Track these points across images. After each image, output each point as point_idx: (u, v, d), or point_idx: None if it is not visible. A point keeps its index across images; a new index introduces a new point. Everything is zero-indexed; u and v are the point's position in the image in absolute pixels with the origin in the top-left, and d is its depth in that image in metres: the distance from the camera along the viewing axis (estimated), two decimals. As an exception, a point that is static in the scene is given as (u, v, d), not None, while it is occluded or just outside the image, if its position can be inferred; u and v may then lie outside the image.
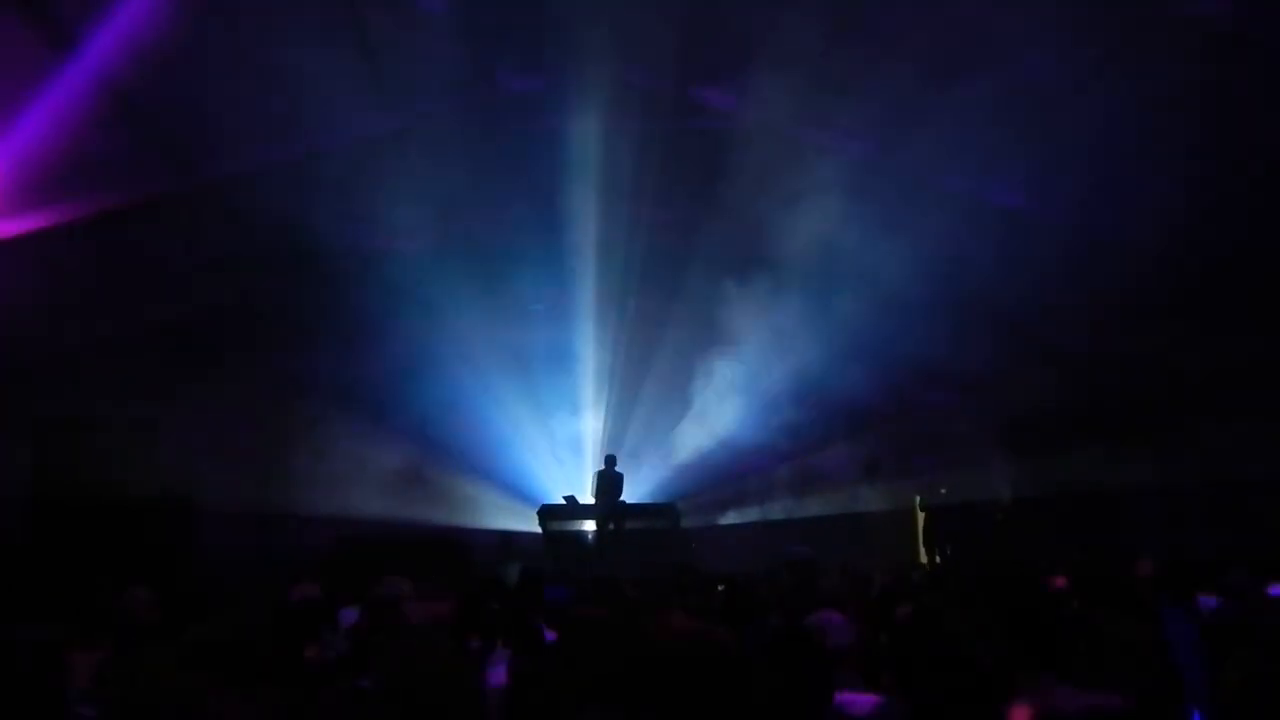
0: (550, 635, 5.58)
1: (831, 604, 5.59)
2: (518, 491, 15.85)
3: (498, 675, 5.13)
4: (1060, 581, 6.29)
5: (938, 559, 13.79)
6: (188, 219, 11.54)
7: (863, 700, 4.45)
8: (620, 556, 13.48)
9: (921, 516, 14.48)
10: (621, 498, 14.82)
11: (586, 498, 15.25)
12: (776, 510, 16.40)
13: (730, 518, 16.81)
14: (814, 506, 15.82)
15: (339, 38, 10.32)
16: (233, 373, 12.93)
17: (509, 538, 15.31)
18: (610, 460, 15.03)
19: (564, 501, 15.09)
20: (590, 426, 16.94)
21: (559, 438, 16.82)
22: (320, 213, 11.92)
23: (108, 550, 9.73)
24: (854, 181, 12.63)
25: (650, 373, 16.53)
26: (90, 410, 11.23)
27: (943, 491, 14.23)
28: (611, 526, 14.45)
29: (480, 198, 13.34)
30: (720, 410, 15.95)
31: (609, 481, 14.78)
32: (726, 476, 16.38)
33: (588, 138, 12.95)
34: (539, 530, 14.76)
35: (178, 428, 11.75)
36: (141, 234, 11.22)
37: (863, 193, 12.60)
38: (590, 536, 14.71)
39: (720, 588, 7.10)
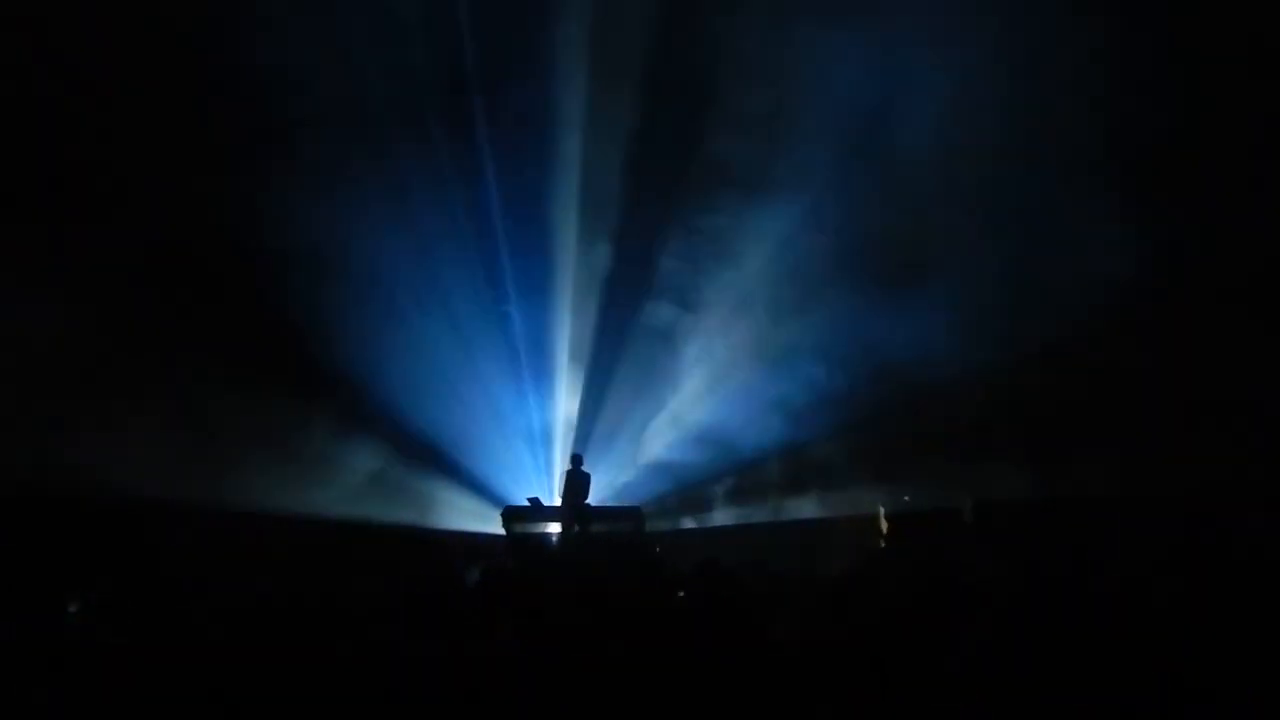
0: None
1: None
2: (482, 492, 15.78)
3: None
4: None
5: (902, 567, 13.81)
6: (158, 214, 11.41)
7: None
8: (584, 559, 13.44)
9: (885, 524, 14.51)
10: (587, 498, 14.78)
11: (553, 500, 15.20)
12: (742, 515, 16.41)
13: (696, 521, 16.81)
14: (781, 511, 15.85)
15: (320, 18, 10.23)
16: (198, 370, 12.76)
17: (472, 539, 15.22)
18: (577, 459, 15.01)
19: (529, 503, 15.03)
20: (558, 428, 16.90)
21: (525, 438, 16.76)
22: (290, 208, 11.84)
23: (70, 550, 9.59)
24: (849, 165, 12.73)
25: (622, 373, 16.53)
26: (54, 407, 11.06)
27: (906, 499, 14.28)
28: (576, 529, 14.40)
29: (455, 192, 13.30)
30: (690, 413, 15.99)
31: (576, 482, 14.74)
32: (694, 480, 16.41)
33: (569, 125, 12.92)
34: (503, 532, 14.68)
35: (142, 426, 11.61)
36: (114, 229, 11.08)
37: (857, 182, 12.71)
38: (554, 539, 14.64)
39: (680, 594, 7.08)
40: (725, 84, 12.96)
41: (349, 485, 14.42)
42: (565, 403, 16.76)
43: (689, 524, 16.74)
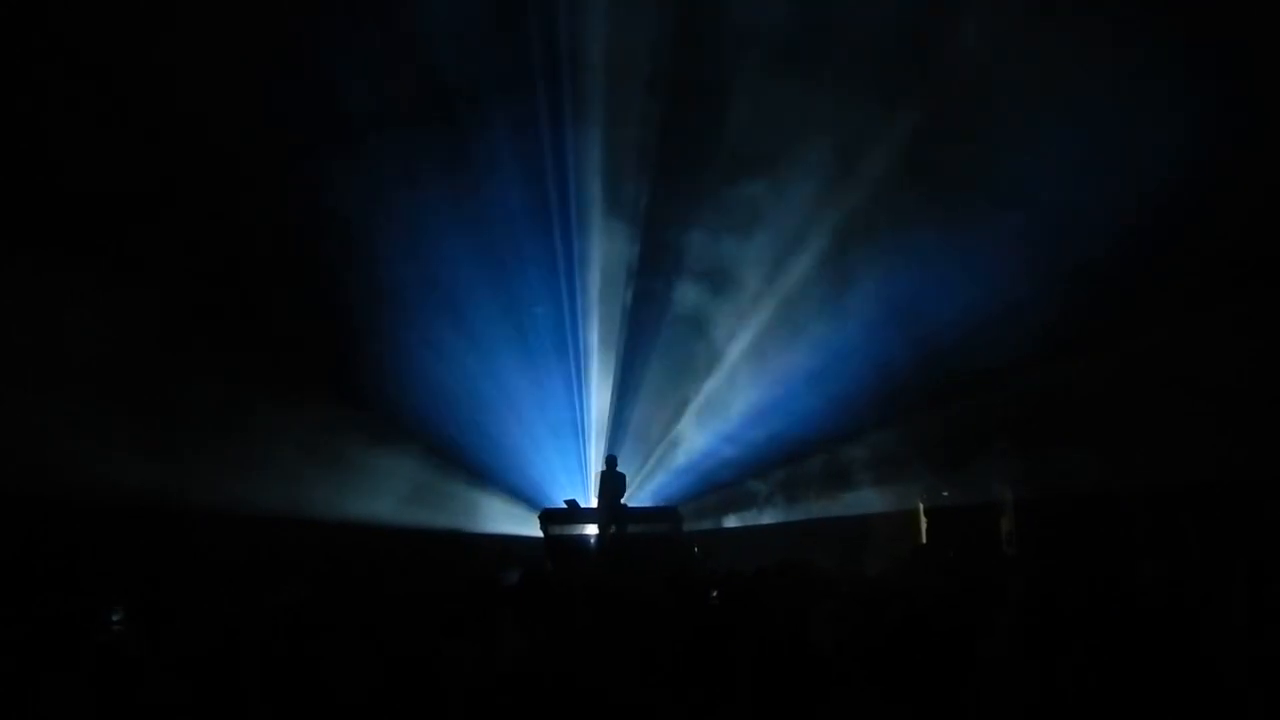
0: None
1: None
2: (519, 495, 15.80)
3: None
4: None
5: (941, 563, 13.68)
6: (188, 215, 11.53)
7: None
8: (622, 561, 13.42)
9: (924, 520, 14.39)
10: (624, 499, 14.75)
11: (590, 501, 15.19)
12: (781, 513, 16.31)
13: (735, 520, 16.73)
14: (820, 508, 15.74)
15: (341, 26, 10.27)
16: (234, 377, 12.89)
17: (510, 542, 15.24)
18: (611, 461, 14.96)
19: (565, 505, 15.02)
20: (592, 427, 16.87)
21: (560, 438, 16.75)
22: (320, 212, 11.95)
23: (109, 557, 9.74)
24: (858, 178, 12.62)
25: (655, 370, 16.47)
26: (83, 412, 11.21)
27: (944, 494, 14.14)
28: (613, 530, 14.38)
29: (482, 196, 13.34)
30: (726, 409, 15.92)
31: (611, 482, 14.71)
32: (731, 478, 16.33)
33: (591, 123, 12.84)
34: (541, 534, 14.69)
35: (173, 429, 11.73)
36: (138, 232, 11.22)
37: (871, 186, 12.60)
38: (592, 540, 14.63)
39: (714, 593, 7.03)
40: (749, 59, 12.81)
41: (385, 490, 14.48)
42: (598, 402, 16.73)
43: (727, 523, 16.66)
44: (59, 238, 11.16)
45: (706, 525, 16.24)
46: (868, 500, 15.48)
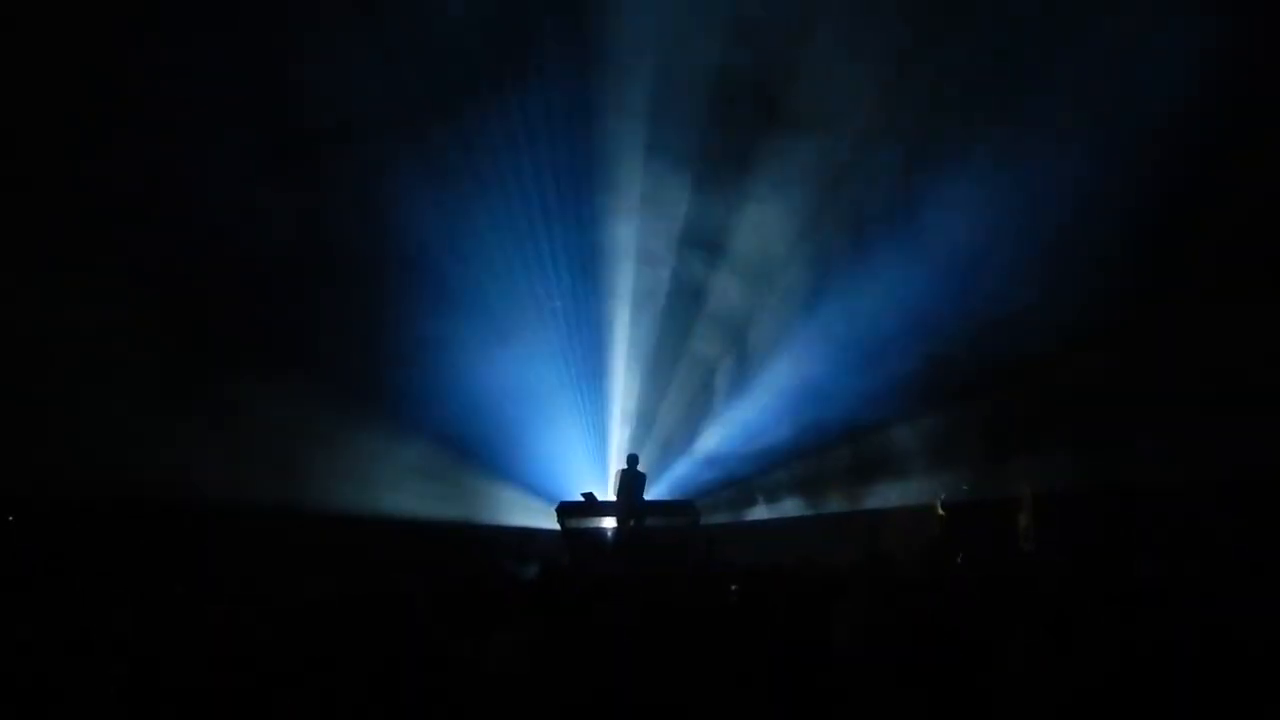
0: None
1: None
2: (537, 488, 15.84)
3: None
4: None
5: (959, 559, 13.64)
6: (203, 217, 11.60)
7: None
8: (639, 554, 13.45)
9: (942, 515, 14.32)
10: (642, 495, 14.76)
11: (607, 495, 15.22)
12: (797, 507, 16.31)
13: (753, 515, 16.73)
14: (837, 502, 15.73)
15: (359, 30, 10.29)
16: (250, 370, 12.95)
17: (528, 535, 15.29)
18: (633, 460, 14.96)
19: (583, 498, 15.05)
20: (613, 422, 16.90)
21: (578, 433, 16.79)
22: (337, 209, 12.00)
23: (118, 550, 9.83)
24: (875, 180, 12.56)
25: (675, 367, 16.48)
26: (104, 409, 11.28)
27: (964, 488, 14.08)
28: (631, 524, 14.40)
29: (499, 189, 13.34)
30: (745, 404, 15.92)
31: (630, 481, 14.71)
32: (748, 472, 16.33)
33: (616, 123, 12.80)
34: (558, 528, 14.72)
35: (193, 426, 11.80)
36: (156, 232, 11.28)
37: (884, 189, 12.54)
38: (609, 534, 14.65)
39: (733, 588, 7.06)
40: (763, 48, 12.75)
41: (404, 483, 14.54)
42: (618, 396, 16.75)
43: (744, 517, 16.67)
44: (60, 234, 11.23)
45: (725, 519, 16.26)
46: (885, 494, 15.45)
